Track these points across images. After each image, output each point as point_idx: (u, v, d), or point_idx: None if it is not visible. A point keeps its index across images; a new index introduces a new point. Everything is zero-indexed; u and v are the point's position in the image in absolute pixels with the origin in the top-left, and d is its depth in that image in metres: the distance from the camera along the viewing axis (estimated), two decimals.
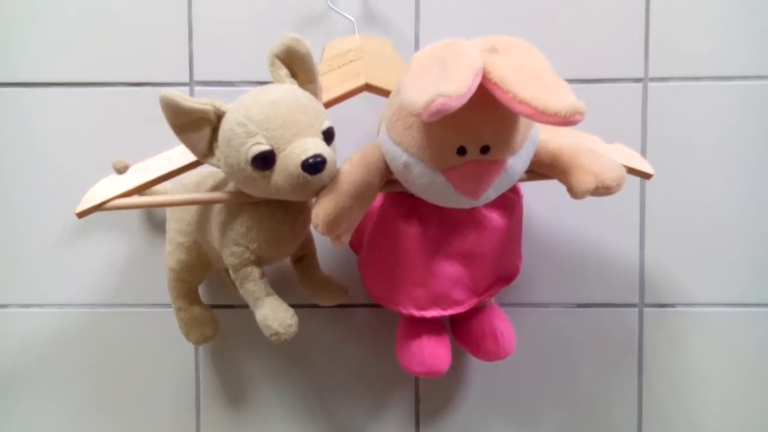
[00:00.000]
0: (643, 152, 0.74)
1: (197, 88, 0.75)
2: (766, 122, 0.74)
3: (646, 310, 0.76)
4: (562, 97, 0.45)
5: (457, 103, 0.43)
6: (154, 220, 0.75)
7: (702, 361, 0.76)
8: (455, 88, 0.43)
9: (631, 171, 0.63)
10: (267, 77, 0.56)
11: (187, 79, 0.74)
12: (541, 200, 0.73)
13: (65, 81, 0.74)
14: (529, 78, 0.47)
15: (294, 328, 0.59)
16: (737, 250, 0.75)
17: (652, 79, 0.74)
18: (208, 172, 0.65)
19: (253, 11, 0.74)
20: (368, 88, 0.63)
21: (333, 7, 0.69)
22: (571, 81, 0.70)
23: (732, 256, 0.75)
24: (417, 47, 0.74)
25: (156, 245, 0.75)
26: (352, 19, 0.68)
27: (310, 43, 0.56)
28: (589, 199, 0.59)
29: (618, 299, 0.76)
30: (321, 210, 0.54)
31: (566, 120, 0.45)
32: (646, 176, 0.64)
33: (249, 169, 0.52)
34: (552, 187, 0.61)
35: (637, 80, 0.74)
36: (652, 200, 0.75)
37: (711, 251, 0.75)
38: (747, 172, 0.74)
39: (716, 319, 0.76)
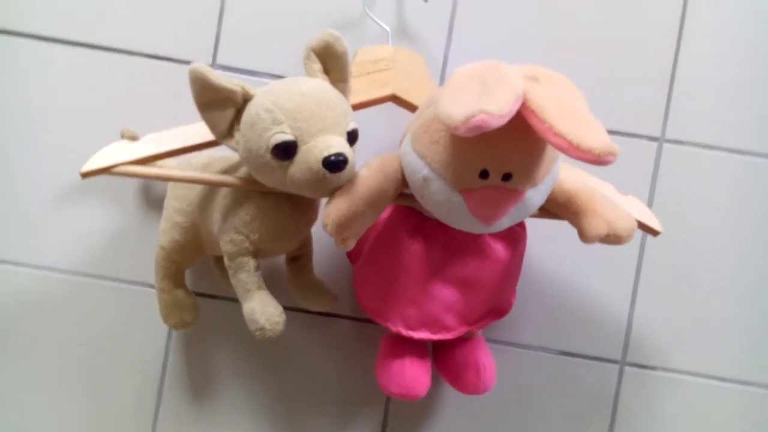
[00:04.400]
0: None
1: (218, 72, 0.73)
2: None
3: (627, 368, 0.76)
4: (597, 136, 0.45)
5: (498, 122, 0.43)
6: (151, 196, 0.73)
7: (675, 430, 0.76)
8: (497, 107, 0.43)
9: (640, 225, 0.63)
10: (290, 72, 0.56)
11: (210, 61, 0.73)
12: (543, 241, 0.73)
13: (85, 41, 0.73)
14: (567, 113, 0.47)
15: (281, 327, 0.58)
16: (727, 323, 0.75)
17: (668, 141, 0.75)
18: (218, 155, 0.64)
19: (288, 5, 0.73)
20: (394, 99, 0.63)
21: (370, 14, 0.69)
22: None
23: (721, 329, 0.75)
24: (445, 66, 0.74)
25: (148, 223, 0.73)
26: (388, 29, 0.68)
27: None
28: (589, 248, 0.59)
29: (601, 353, 0.75)
30: (334, 210, 0.53)
31: (599, 159, 0.45)
32: (654, 233, 0.64)
33: (268, 156, 0.51)
34: (556, 230, 0.61)
35: (654, 139, 0.75)
36: (650, 260, 0.75)
37: (700, 320, 0.75)
38: (747, 247, 0.75)
39: (695, 389, 0.75)
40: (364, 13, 0.71)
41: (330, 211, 0.53)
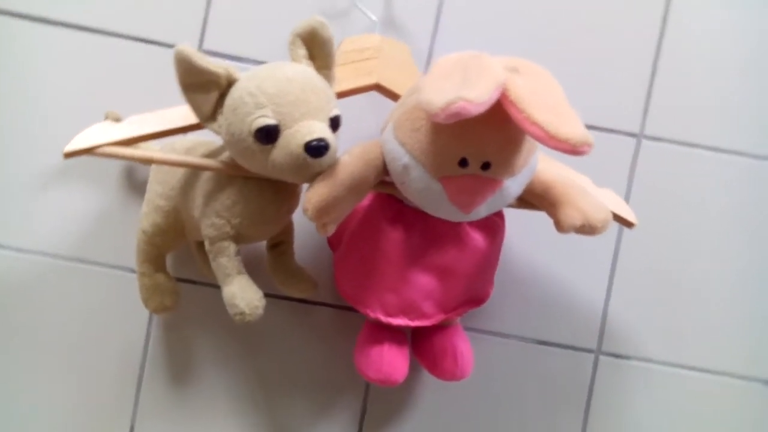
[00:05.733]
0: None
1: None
2: (749, 198, 0.76)
3: (602, 357, 0.77)
4: (574, 127, 0.46)
5: (477, 110, 0.44)
6: (134, 180, 0.73)
7: (647, 418, 0.77)
8: (477, 94, 0.44)
9: (616, 217, 0.64)
10: (277, 59, 0.56)
11: (196, 46, 0.74)
12: (521, 232, 0.74)
13: (70, 22, 0.73)
14: (545, 104, 0.48)
15: (260, 311, 0.58)
16: (701, 315, 0.77)
17: (647, 137, 0.76)
18: (201, 140, 0.64)
19: None
20: (378, 88, 0.64)
21: (358, 5, 0.70)
22: None
23: (694, 320, 0.77)
24: (430, 59, 0.75)
25: (130, 206, 0.73)
26: (376, 19, 0.69)
27: None
28: (566, 239, 0.60)
29: (576, 342, 0.77)
30: (315, 194, 0.53)
31: (575, 149, 0.46)
32: (629, 225, 0.66)
33: (250, 140, 0.52)
34: (534, 220, 0.62)
35: (632, 135, 0.76)
36: (627, 252, 0.76)
37: (675, 312, 0.77)
38: (721, 241, 0.77)
39: (668, 378, 0.77)
40: (352, 3, 0.71)
41: (311, 195, 0.53)
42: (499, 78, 0.46)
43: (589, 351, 0.77)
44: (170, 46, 0.73)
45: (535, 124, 0.46)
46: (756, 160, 0.76)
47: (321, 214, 0.54)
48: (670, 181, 0.76)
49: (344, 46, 0.65)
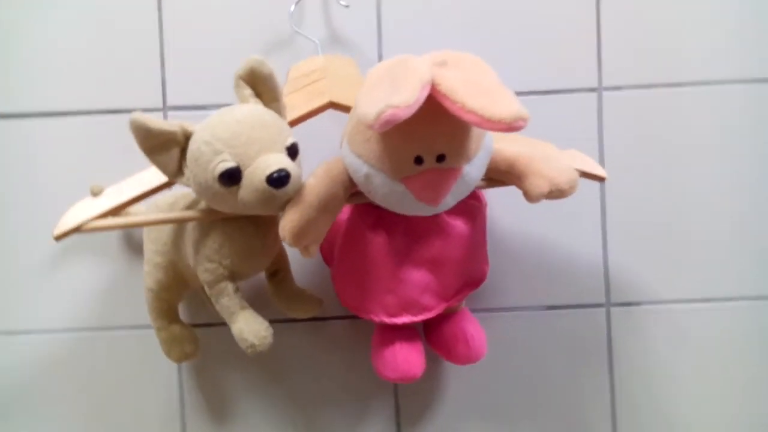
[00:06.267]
0: (601, 158, 0.77)
1: (170, 113, 0.77)
2: (717, 123, 0.77)
3: (613, 309, 0.79)
4: (506, 106, 0.48)
5: (405, 113, 0.46)
6: (133, 242, 0.77)
7: (670, 356, 0.79)
8: (403, 99, 0.46)
9: (585, 175, 0.66)
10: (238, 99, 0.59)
11: (160, 105, 0.77)
12: (505, 208, 0.76)
13: (41, 111, 0.77)
14: (477, 89, 0.50)
15: (269, 339, 0.61)
16: (696, 247, 0.78)
17: (606, 88, 0.77)
18: (182, 192, 0.67)
19: (222, 37, 0.77)
20: (333, 105, 0.66)
21: (298, 30, 0.73)
22: (528, 93, 0.76)
23: (694, 253, 0.78)
24: None
25: (135, 267, 0.77)
26: (316, 41, 0.72)
27: (278, 66, 0.59)
28: (552, 204, 0.62)
29: (585, 300, 0.79)
30: (287, 222, 0.56)
31: (510, 126, 0.48)
32: (599, 179, 0.67)
33: (217, 186, 0.55)
34: (516, 194, 0.64)
35: (592, 90, 0.77)
36: (612, 203, 0.78)
37: (672, 249, 0.78)
38: (701, 170, 0.78)
39: (681, 315, 0.78)
40: (293, 31, 0.74)
41: (284, 223, 0.56)
42: (423, 77, 0.48)
43: (599, 305, 0.79)
44: (137, 110, 0.76)
45: (470, 111, 0.48)
46: (715, 86, 0.77)
47: (298, 238, 0.57)
48: (639, 126, 0.77)
49: (292, 74, 0.68)
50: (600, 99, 0.77)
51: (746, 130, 0.77)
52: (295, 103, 0.65)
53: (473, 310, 0.74)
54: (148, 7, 0.77)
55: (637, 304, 0.79)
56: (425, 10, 0.77)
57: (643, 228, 0.78)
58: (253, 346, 0.60)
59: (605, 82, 0.77)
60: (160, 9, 0.77)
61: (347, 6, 0.73)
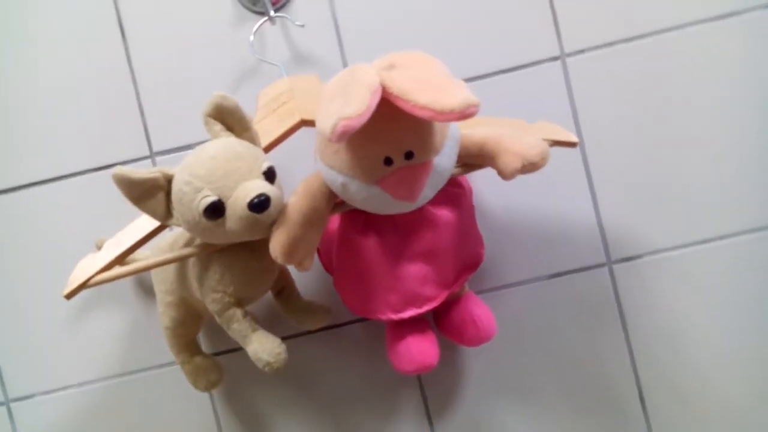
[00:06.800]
0: (576, 123, 0.79)
1: (159, 158, 0.81)
2: (685, 66, 0.78)
3: (615, 266, 0.80)
4: (455, 96, 0.50)
5: (358, 122, 0.49)
6: (144, 286, 0.81)
7: (679, 302, 0.80)
8: (353, 109, 0.49)
9: (558, 143, 0.67)
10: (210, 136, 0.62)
11: (147, 152, 0.80)
12: (492, 188, 0.78)
13: (37, 180, 0.81)
14: (427, 85, 0.52)
15: (283, 355, 0.64)
16: (685, 191, 0.79)
17: (569, 54, 0.79)
18: (180, 232, 0.70)
19: (192, 76, 0.80)
20: (304, 123, 0.68)
21: (261, 58, 0.75)
22: (493, 74, 0.78)
23: (681, 198, 0.79)
24: None
25: (152, 309, 0.80)
26: (279, 64, 0.74)
27: (249, 94, 0.62)
28: (538, 176, 0.63)
29: (586, 262, 0.80)
30: (276, 242, 0.59)
31: (463, 114, 0.50)
32: (572, 145, 0.68)
33: (204, 221, 0.58)
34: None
35: (555, 58, 0.79)
36: (596, 162, 0.79)
37: (661, 198, 0.79)
38: (675, 114, 0.79)
39: (682, 260, 0.79)
40: (256, 58, 0.77)
41: (273, 244, 0.59)
42: (371, 84, 0.51)
43: (601, 265, 0.80)
44: (126, 162, 0.80)
45: (423, 107, 0.51)
46: (676, 31, 0.78)
47: (289, 256, 0.59)
48: (608, 84, 0.79)
49: (261, 101, 0.70)
50: (565, 66, 0.79)
51: (717, 70, 0.78)
52: (268, 128, 0.67)
53: (478, 292, 0.76)
54: (118, 63, 0.80)
55: (638, 257, 0.80)
56: (381, 12, 0.79)
57: (630, 182, 0.79)
58: (269, 364, 0.63)
59: (567, 48, 0.79)
60: (130, 62, 0.80)
61: (303, 26, 0.76)
